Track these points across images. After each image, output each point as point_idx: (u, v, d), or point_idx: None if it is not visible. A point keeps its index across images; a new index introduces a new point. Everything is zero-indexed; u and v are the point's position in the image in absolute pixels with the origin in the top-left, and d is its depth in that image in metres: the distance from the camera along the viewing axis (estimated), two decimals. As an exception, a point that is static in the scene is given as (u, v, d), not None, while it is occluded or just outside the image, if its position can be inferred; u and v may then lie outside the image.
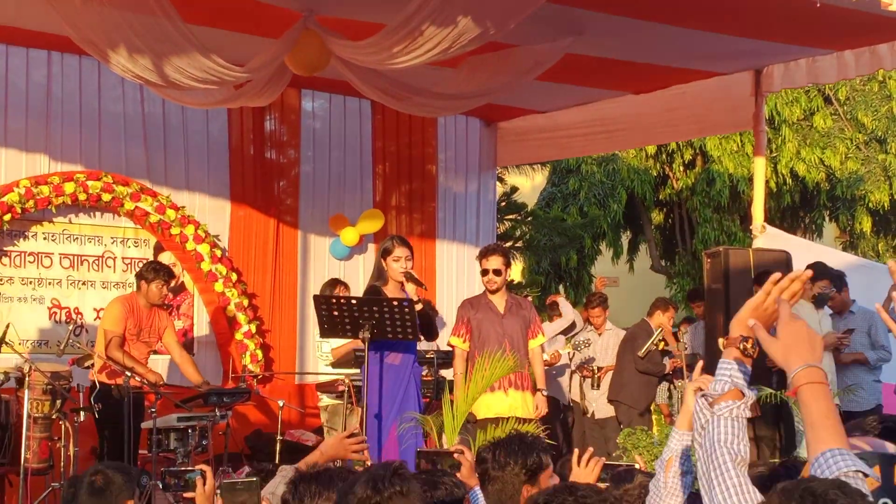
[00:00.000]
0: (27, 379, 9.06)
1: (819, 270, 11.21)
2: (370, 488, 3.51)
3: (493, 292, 9.74)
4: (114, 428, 9.78)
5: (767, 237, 12.76)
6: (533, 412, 9.57)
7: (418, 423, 8.08)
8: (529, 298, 11.33)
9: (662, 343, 12.63)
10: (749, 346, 3.22)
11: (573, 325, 13.77)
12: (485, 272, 9.66)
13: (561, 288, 22.10)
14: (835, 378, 10.85)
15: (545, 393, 9.89)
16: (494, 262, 9.63)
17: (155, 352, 10.93)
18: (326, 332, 8.80)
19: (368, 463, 6.20)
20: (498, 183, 17.07)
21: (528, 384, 9.75)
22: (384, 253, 9.01)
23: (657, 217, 24.56)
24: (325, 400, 11.23)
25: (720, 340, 3.39)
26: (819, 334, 3.20)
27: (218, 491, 4.82)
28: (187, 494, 5.05)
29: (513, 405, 9.42)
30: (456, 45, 8.80)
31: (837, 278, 11.44)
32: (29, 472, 9.18)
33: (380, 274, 9.04)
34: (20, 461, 9.10)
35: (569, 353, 13.21)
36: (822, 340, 3.21)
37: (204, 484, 5.02)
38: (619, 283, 15.85)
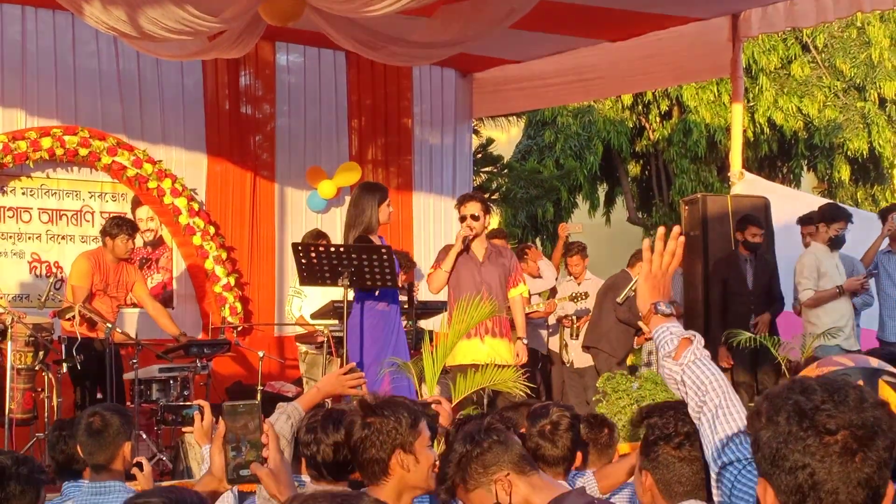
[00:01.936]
0: (10, 331, 9.11)
1: (833, 212, 11.22)
2: (469, 443, 3.61)
3: (495, 237, 9.74)
4: (95, 380, 9.84)
5: (746, 184, 12.76)
6: (512, 359, 9.53)
7: (399, 368, 8.08)
8: (506, 243, 11.29)
9: (640, 288, 12.59)
10: (663, 307, 3.41)
11: (553, 287, 13.75)
12: (462, 218, 9.58)
13: (538, 241, 22.10)
14: (853, 321, 10.82)
15: (525, 341, 9.83)
16: (472, 207, 9.54)
17: (130, 305, 10.98)
18: (305, 279, 8.80)
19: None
20: (473, 135, 17.07)
21: (506, 332, 9.66)
22: (380, 200, 9.00)
23: (634, 169, 24.50)
24: (304, 349, 11.27)
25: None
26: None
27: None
28: (185, 429, 5.10)
29: (490, 352, 9.27)
30: (430, -9, 8.79)
31: (831, 216, 11.40)
32: (14, 422, 9.25)
33: (368, 224, 9.00)
34: (5, 412, 9.16)
35: (562, 305, 13.13)
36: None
37: (202, 419, 5.06)
38: (581, 229, 15.83)
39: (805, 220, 11.54)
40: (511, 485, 3.53)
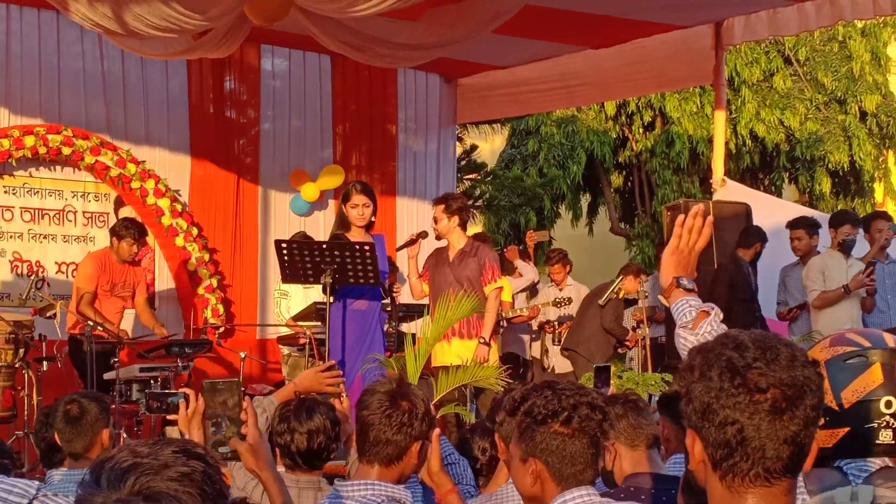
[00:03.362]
0: (-12, 328, 9.10)
1: (840, 217, 11.26)
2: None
3: (438, 238, 9.74)
4: (81, 378, 9.89)
5: (727, 191, 12.79)
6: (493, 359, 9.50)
7: (381, 364, 8.09)
8: (488, 245, 11.26)
9: (622, 291, 12.63)
10: (685, 281, 3.46)
11: (534, 284, 13.78)
12: (435, 220, 9.66)
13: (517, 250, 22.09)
14: (859, 323, 10.73)
15: (482, 341, 9.48)
16: (436, 211, 9.68)
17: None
18: (288, 277, 8.79)
19: (343, 396, 6.19)
20: (457, 142, 17.08)
21: (477, 332, 9.55)
22: (344, 199, 9.01)
23: (617, 179, 24.51)
24: (287, 351, 11.26)
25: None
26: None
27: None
28: (170, 417, 5.09)
29: (460, 353, 9.19)
30: (416, -8, 8.80)
31: (810, 226, 11.45)
32: (-8, 419, 9.24)
33: (342, 221, 9.01)
34: (-16, 410, 9.15)
35: (545, 310, 13.13)
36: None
37: (187, 407, 5.05)
38: (548, 237, 15.86)
39: (793, 225, 11.53)
40: (616, 453, 3.54)
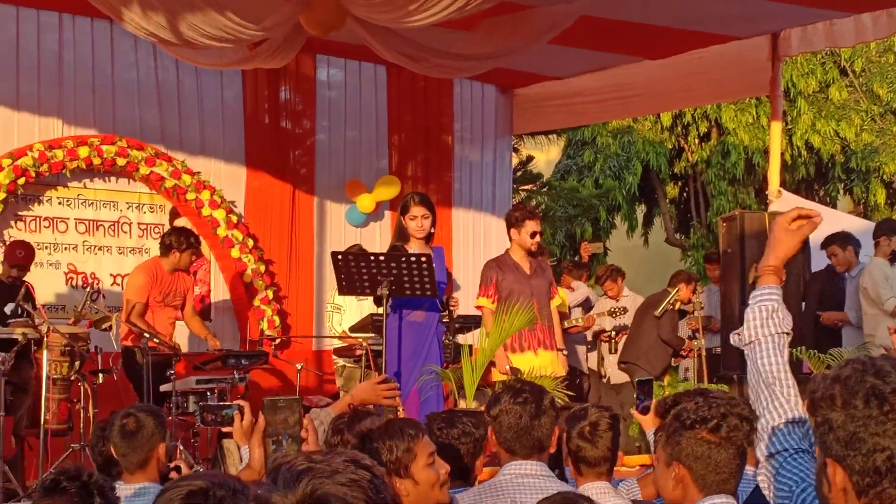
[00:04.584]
0: (45, 340, 9.09)
1: (892, 225, 11.32)
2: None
3: (536, 255, 9.77)
4: (137, 390, 9.90)
5: (783, 202, 12.71)
6: (562, 370, 9.59)
7: (438, 376, 8.04)
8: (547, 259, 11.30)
9: (678, 303, 12.57)
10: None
11: (588, 300, 13.75)
12: (533, 234, 9.62)
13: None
14: None
15: (565, 352, 9.93)
16: (537, 224, 9.71)
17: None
18: (345, 289, 8.74)
19: (400, 409, 6.18)
20: (513, 153, 17.02)
21: (555, 344, 9.76)
22: (402, 210, 8.97)
23: (672, 190, 24.52)
24: (341, 363, 11.22)
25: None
26: None
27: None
28: (225, 429, 5.08)
29: (543, 364, 9.33)
30: (472, 3, 8.71)
31: (843, 238, 11.45)
32: (49, 433, 9.21)
33: (401, 233, 8.98)
34: (40, 422, 9.13)
35: (601, 320, 13.10)
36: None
37: (241, 419, 5.01)
38: (602, 249, 15.86)
39: (825, 244, 11.51)
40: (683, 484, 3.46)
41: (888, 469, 2.22)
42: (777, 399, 3.15)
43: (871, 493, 2.24)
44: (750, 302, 3.31)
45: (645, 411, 5.89)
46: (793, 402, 3.13)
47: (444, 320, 9.52)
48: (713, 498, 3.38)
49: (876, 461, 2.23)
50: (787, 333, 3.25)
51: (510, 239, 9.70)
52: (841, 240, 11.45)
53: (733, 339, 3.30)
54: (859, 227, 13.49)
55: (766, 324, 3.24)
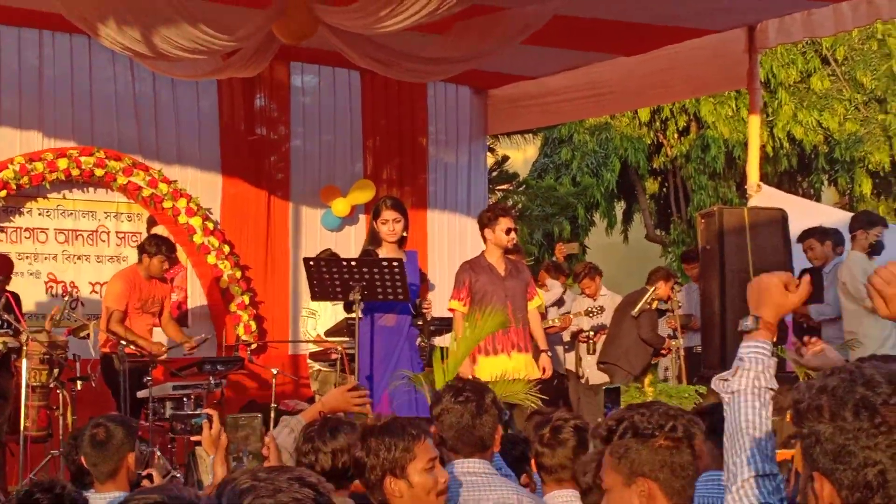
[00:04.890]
0: (24, 348, 9.17)
1: (870, 217, 11.22)
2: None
3: (512, 254, 9.75)
4: (115, 396, 9.99)
5: (763, 196, 12.57)
6: (537, 373, 9.50)
7: (409, 381, 8.08)
8: (523, 258, 11.29)
9: (656, 302, 12.52)
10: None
11: (561, 299, 13.70)
12: (508, 231, 9.52)
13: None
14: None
15: (550, 354, 9.84)
16: (511, 221, 9.65)
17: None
18: (317, 294, 8.81)
19: (370, 416, 6.22)
20: (489, 153, 17.05)
21: (530, 346, 9.62)
22: (374, 214, 9.01)
23: (651, 186, 24.39)
24: (316, 367, 11.29)
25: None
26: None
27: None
28: (194, 438, 5.16)
29: (517, 367, 9.18)
30: (442, 7, 8.76)
31: (821, 232, 11.36)
32: (28, 439, 9.32)
33: (373, 237, 9.01)
34: (20, 429, 9.24)
35: (578, 320, 13.07)
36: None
37: (210, 427, 5.07)
38: (577, 249, 15.84)
39: (802, 238, 11.43)
40: (652, 497, 3.32)
41: (880, 484, 2.15)
42: (754, 450, 2.99)
43: None
44: (742, 352, 3.13)
45: None
46: (770, 455, 3.00)
47: (419, 323, 9.58)
48: None
49: (867, 476, 2.16)
50: (772, 390, 3.09)
51: (484, 240, 9.64)
52: (819, 234, 11.30)
53: (716, 384, 3.13)
54: (842, 219, 13.45)
55: (758, 377, 3.07)
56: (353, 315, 8.61)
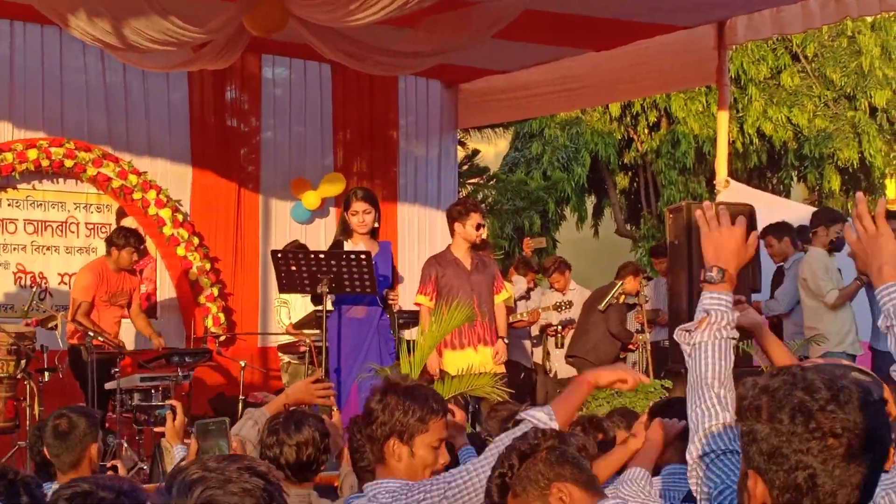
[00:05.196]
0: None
1: (830, 214, 11.31)
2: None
3: (479, 249, 9.77)
4: (82, 388, 9.98)
5: (731, 192, 12.64)
6: (502, 367, 9.54)
7: (376, 373, 8.09)
8: (491, 254, 11.32)
9: (624, 296, 12.58)
10: (712, 273, 3.25)
11: (527, 293, 13.70)
12: (478, 226, 9.56)
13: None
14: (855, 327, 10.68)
15: (506, 341, 9.85)
16: (481, 216, 9.66)
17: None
18: (285, 287, 8.84)
19: (334, 409, 6.24)
20: (459, 147, 17.07)
21: (496, 340, 9.67)
22: (345, 206, 9.04)
23: (622, 180, 24.36)
24: (286, 359, 11.29)
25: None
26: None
27: (192, 430, 4.93)
28: (157, 429, 5.17)
29: (483, 360, 9.29)
30: (413, 0, 8.79)
31: (779, 228, 11.41)
32: (-5, 430, 9.31)
33: (344, 228, 9.04)
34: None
35: (546, 315, 13.10)
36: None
37: (174, 418, 5.08)
38: (545, 244, 15.85)
39: (762, 234, 11.47)
40: (571, 496, 3.32)
41: (809, 488, 2.21)
42: (714, 400, 3.00)
43: None
44: (706, 303, 3.17)
45: None
46: (730, 406, 2.99)
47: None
48: (607, 501, 3.35)
49: (797, 478, 2.21)
50: (734, 339, 3.15)
51: (453, 234, 9.67)
52: (776, 230, 11.35)
53: (679, 335, 3.18)
54: (809, 215, 13.52)
55: (721, 328, 3.11)
56: (322, 307, 8.64)
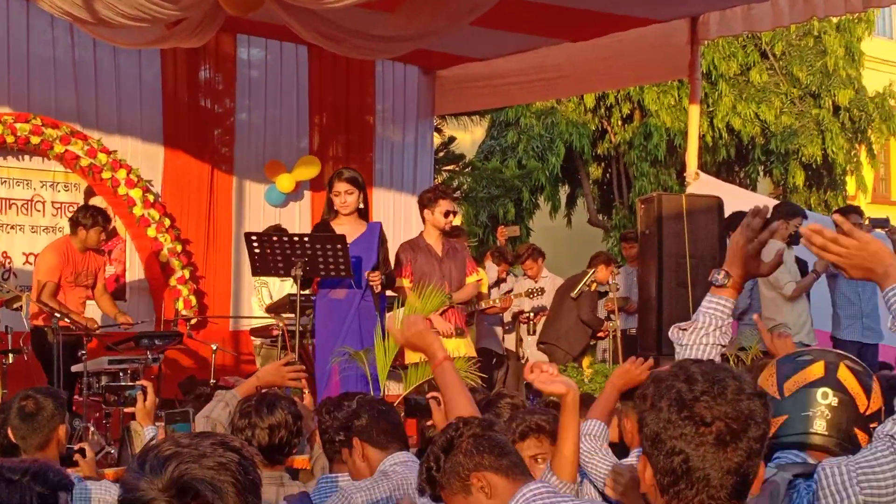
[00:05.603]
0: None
1: (790, 208, 11.39)
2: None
3: (451, 236, 9.72)
4: (47, 370, 9.76)
5: (701, 184, 12.94)
6: (473, 352, 9.49)
7: (350, 357, 8.02)
8: (464, 241, 11.29)
9: (595, 284, 12.66)
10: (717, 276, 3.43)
11: (498, 281, 13.71)
12: (447, 213, 9.49)
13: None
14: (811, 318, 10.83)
15: (463, 311, 9.71)
16: (450, 203, 9.63)
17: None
18: (258, 270, 8.72)
19: (306, 391, 6.21)
20: (436, 134, 17.02)
21: (465, 327, 9.68)
22: (329, 186, 8.98)
23: (595, 171, 24.63)
24: (259, 342, 11.18)
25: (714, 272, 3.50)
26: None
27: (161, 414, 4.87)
28: (128, 409, 5.11)
29: (456, 346, 9.10)
30: (391, -17, 8.71)
31: (739, 221, 11.40)
32: (-44, 413, 9.10)
33: (329, 208, 8.97)
34: (-52, 402, 9.03)
35: (519, 301, 13.10)
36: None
37: (145, 399, 4.99)
38: (518, 233, 15.93)
39: (726, 227, 11.49)
40: (490, 485, 3.37)
41: (683, 472, 2.39)
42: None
43: (671, 493, 2.42)
44: (703, 306, 3.37)
45: None
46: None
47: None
48: (528, 485, 3.30)
49: (673, 462, 2.40)
50: (723, 346, 3.32)
51: (423, 220, 9.64)
52: (736, 225, 11.41)
53: (673, 333, 3.37)
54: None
55: (709, 333, 3.32)
56: (296, 291, 8.55)
